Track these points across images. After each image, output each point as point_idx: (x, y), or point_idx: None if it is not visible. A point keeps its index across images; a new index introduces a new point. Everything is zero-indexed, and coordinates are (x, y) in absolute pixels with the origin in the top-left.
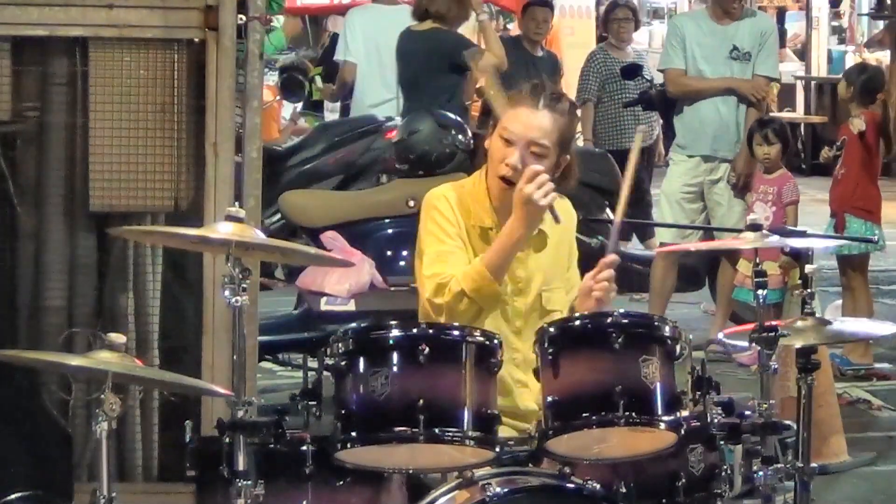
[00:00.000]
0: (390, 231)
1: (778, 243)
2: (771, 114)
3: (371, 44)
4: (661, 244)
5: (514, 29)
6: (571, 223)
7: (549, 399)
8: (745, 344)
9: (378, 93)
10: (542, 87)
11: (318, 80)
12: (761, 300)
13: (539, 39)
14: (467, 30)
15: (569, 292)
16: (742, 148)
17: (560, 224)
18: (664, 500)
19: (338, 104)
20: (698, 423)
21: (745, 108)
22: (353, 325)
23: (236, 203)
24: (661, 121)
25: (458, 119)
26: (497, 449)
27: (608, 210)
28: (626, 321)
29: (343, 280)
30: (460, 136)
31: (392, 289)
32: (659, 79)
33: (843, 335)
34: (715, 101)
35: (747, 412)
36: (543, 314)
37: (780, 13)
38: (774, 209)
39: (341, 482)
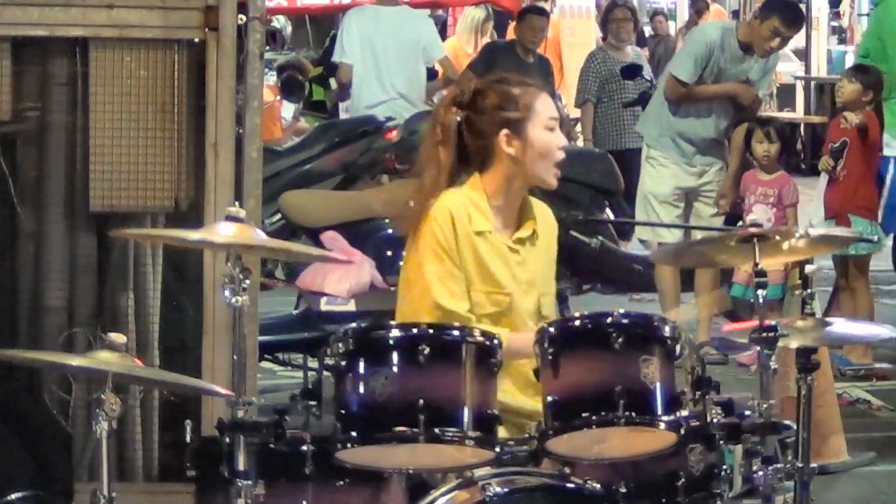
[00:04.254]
0: (390, 231)
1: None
2: (770, 114)
3: (367, 45)
4: (660, 244)
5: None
6: (553, 231)
7: (549, 399)
8: (741, 343)
9: (374, 94)
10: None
11: (332, 82)
12: (761, 300)
13: (533, 48)
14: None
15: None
16: (728, 173)
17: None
18: (664, 500)
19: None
20: (698, 423)
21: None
22: (353, 325)
23: (236, 203)
24: None
25: None
26: (497, 449)
27: (608, 210)
28: (626, 321)
29: (343, 280)
30: None
31: (392, 289)
32: None
33: (841, 338)
34: (712, 113)
35: (747, 412)
36: (540, 319)
37: None
38: (775, 211)
39: (341, 482)
